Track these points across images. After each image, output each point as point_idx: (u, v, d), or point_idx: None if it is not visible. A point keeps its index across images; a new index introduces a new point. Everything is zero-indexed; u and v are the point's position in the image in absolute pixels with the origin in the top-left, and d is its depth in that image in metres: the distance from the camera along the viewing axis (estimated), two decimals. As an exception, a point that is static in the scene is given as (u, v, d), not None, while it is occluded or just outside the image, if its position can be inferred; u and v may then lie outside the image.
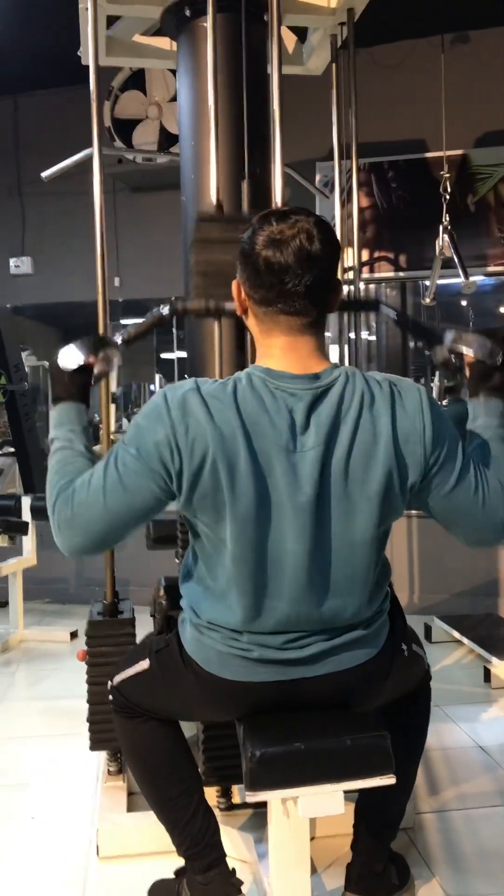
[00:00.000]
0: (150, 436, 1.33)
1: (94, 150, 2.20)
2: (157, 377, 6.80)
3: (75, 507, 1.36)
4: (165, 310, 1.70)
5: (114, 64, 2.92)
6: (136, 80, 4.20)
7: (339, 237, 2.61)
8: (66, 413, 1.50)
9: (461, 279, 3.61)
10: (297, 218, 1.34)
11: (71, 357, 1.53)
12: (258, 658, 1.42)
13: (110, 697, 1.69)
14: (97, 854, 2.01)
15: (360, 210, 2.79)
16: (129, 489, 1.34)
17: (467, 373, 1.55)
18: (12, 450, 5.25)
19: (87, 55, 2.28)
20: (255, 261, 1.34)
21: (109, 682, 1.69)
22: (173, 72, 3.26)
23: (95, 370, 1.53)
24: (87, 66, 2.21)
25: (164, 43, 2.64)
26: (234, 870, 1.67)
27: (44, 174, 3.30)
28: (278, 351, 1.38)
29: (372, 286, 4.60)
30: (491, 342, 1.54)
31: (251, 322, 1.43)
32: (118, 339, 1.64)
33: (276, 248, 1.32)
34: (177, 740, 1.68)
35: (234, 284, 1.44)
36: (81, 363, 1.52)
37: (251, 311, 1.41)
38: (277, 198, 2.09)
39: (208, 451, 1.30)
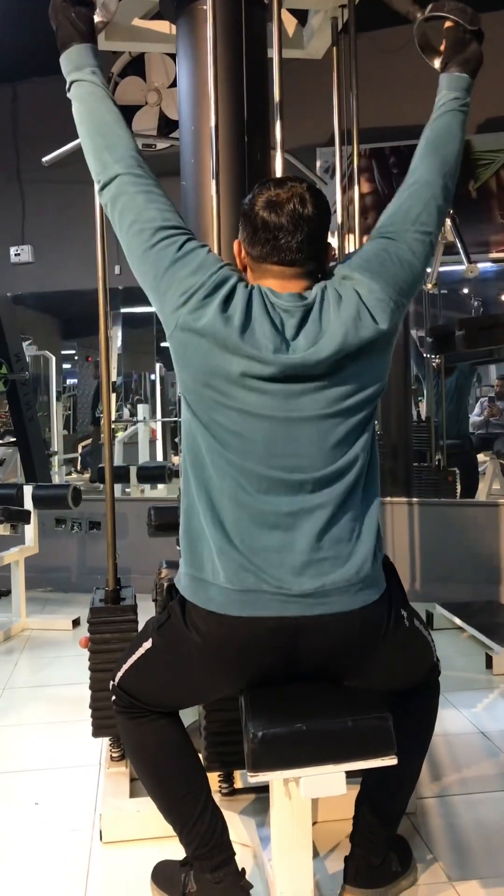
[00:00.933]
0: (186, 268, 1.45)
1: (94, 134, 2.18)
2: (158, 366, 6.80)
3: (122, 207, 1.51)
4: None
5: (113, 48, 2.90)
6: (136, 66, 4.17)
7: (338, 222, 2.61)
8: (84, 53, 1.54)
9: (463, 264, 3.59)
10: (292, 184, 1.50)
11: None
12: (254, 588, 1.41)
13: (113, 698, 1.68)
14: (100, 839, 2.02)
15: (362, 196, 2.77)
16: (149, 253, 1.47)
17: (443, 46, 1.61)
18: (13, 439, 5.26)
19: (86, 39, 2.27)
20: (254, 220, 1.49)
21: (111, 683, 1.68)
22: (173, 57, 3.24)
23: (96, 18, 1.54)
24: (86, 51, 2.19)
25: (163, 27, 2.62)
26: (243, 870, 1.67)
27: (44, 159, 3.28)
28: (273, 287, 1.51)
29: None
30: (472, 10, 1.60)
31: (249, 277, 1.56)
32: None
33: (272, 209, 1.47)
34: (182, 739, 1.67)
35: (235, 244, 1.57)
36: None
37: (249, 266, 1.55)
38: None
39: (206, 327, 1.41)
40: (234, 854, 1.67)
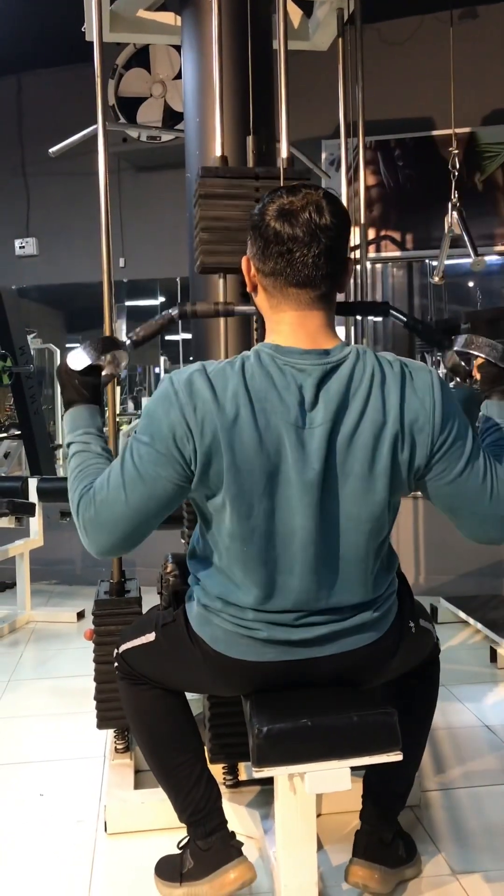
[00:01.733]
0: (161, 420, 1.33)
1: (99, 126, 2.18)
2: (162, 359, 6.79)
3: (98, 507, 1.36)
4: (175, 311, 1.70)
5: (118, 40, 2.89)
6: (140, 58, 4.16)
7: (345, 215, 2.60)
8: (80, 416, 1.49)
9: (470, 257, 3.57)
10: (306, 191, 1.36)
11: (80, 359, 1.51)
12: (266, 638, 1.43)
13: (115, 664, 1.71)
14: (105, 830, 2.03)
15: (367, 189, 2.76)
16: (148, 480, 1.34)
17: (477, 375, 1.58)
18: (18, 432, 5.27)
19: (91, 31, 2.26)
20: (265, 231, 1.35)
21: (115, 650, 1.71)
22: (178, 49, 3.23)
23: (104, 372, 1.53)
24: (91, 43, 2.19)
25: (168, 18, 2.61)
26: (233, 833, 1.69)
27: (52, 150, 3.28)
28: (287, 327, 1.39)
29: (378, 265, 4.58)
30: (502, 345, 1.57)
31: (260, 298, 1.44)
32: (126, 340, 1.63)
33: (285, 219, 1.33)
34: (181, 708, 1.70)
35: (243, 261, 1.44)
36: (90, 364, 1.51)
37: (260, 285, 1.41)
38: (281, 175, 2.07)
39: (217, 430, 1.31)
40: (226, 821, 1.69)
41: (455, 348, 1.60)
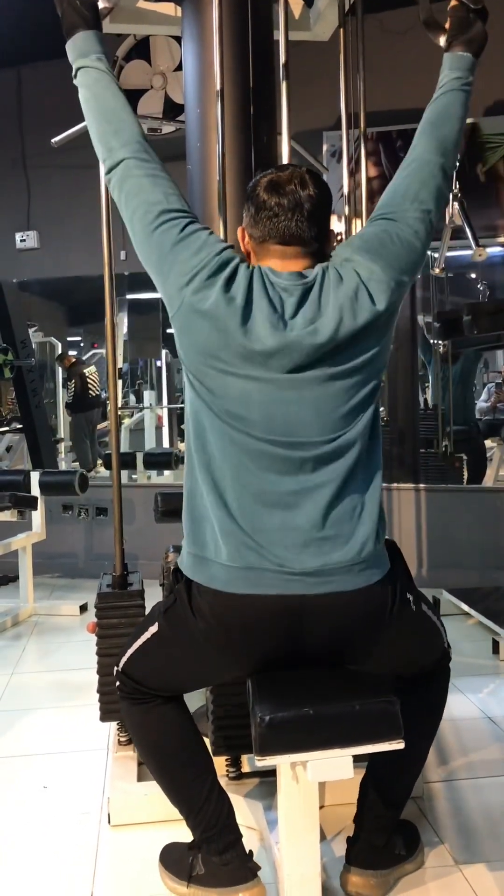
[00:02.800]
0: (188, 249, 1.47)
1: (99, 118, 2.17)
2: (164, 352, 6.79)
3: (128, 188, 1.52)
4: None
5: (118, 31, 2.88)
6: (141, 50, 4.14)
7: (346, 208, 2.59)
8: (89, 40, 1.59)
9: (472, 248, 3.56)
10: (293, 168, 1.56)
11: None
12: (257, 564, 1.44)
13: (117, 683, 1.70)
14: (108, 822, 2.03)
15: (369, 180, 2.75)
16: (152, 235, 1.49)
17: (448, 25, 1.64)
18: (20, 426, 5.28)
19: (91, 22, 2.25)
20: (256, 201, 1.53)
21: (115, 668, 1.70)
22: (179, 40, 3.21)
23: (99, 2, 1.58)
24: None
25: (168, 9, 2.60)
26: (251, 852, 1.68)
27: (54, 140, 3.27)
28: (274, 264, 1.53)
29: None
30: None
31: (252, 263, 1.57)
32: None
33: (273, 190, 1.52)
34: (186, 724, 1.69)
35: (238, 231, 1.59)
36: None
37: (252, 251, 1.57)
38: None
39: (210, 309, 1.43)
40: (241, 836, 1.68)
41: None
